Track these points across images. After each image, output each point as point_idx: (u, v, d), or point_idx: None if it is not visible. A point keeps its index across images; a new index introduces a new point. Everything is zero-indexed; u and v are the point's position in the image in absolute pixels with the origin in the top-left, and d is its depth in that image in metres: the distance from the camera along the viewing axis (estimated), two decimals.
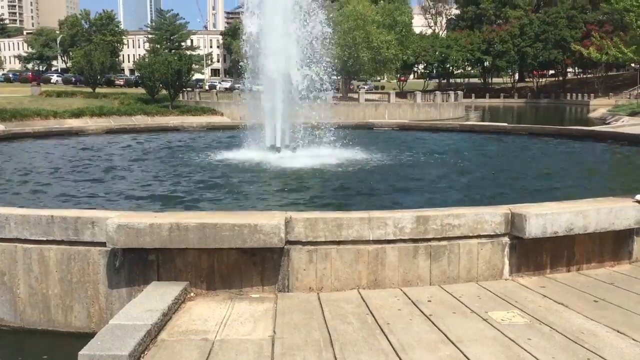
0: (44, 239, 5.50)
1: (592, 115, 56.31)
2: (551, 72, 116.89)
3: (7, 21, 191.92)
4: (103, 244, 5.30)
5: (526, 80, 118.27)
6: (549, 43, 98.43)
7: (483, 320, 4.65)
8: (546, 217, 5.57)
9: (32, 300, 5.60)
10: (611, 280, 5.69)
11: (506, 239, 5.73)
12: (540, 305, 4.98)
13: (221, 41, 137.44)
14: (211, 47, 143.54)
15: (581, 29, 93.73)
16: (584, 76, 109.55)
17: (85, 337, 4.37)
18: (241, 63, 14.91)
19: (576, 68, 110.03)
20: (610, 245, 6.13)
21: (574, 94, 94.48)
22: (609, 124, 37.93)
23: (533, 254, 5.82)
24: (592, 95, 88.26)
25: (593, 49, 46.44)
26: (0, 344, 5.72)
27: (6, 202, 8.22)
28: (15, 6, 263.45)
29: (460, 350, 4.10)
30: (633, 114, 42.70)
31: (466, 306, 4.98)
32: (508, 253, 5.74)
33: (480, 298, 5.20)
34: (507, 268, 5.76)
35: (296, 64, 14.22)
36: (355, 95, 58.62)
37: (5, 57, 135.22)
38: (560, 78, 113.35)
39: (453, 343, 4.22)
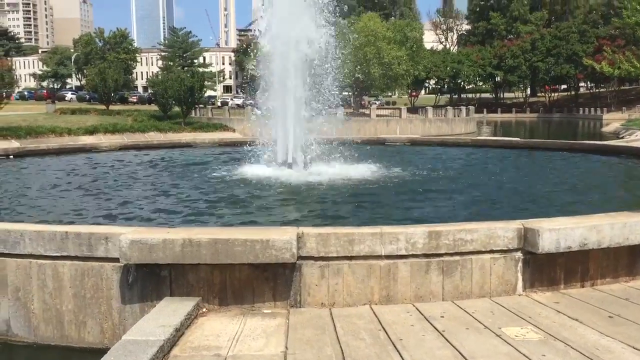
0: (58, 254, 5.55)
1: (605, 129, 56.02)
2: (563, 86, 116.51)
3: (22, 40, 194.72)
4: (116, 260, 5.34)
5: (538, 95, 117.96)
6: (560, 58, 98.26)
7: (496, 336, 4.62)
8: (559, 232, 5.53)
9: (46, 315, 5.64)
10: (626, 295, 5.63)
11: (519, 254, 5.69)
12: (554, 321, 4.94)
13: (233, 58, 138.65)
14: (223, 64, 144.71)
15: (593, 43, 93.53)
16: (597, 90, 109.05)
17: (98, 353, 4.39)
18: (251, 74, 15.01)
19: (588, 82, 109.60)
20: (625, 260, 6.07)
21: (587, 109, 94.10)
22: (622, 138, 37.69)
23: (546, 269, 5.78)
24: (605, 109, 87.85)
25: (605, 64, 46.29)
26: (14, 359, 5.76)
27: (21, 218, 8.31)
28: (30, 25, 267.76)
29: None
30: None
31: (479, 322, 4.95)
32: (521, 268, 5.70)
33: (494, 313, 5.16)
34: (520, 283, 5.72)
35: (307, 81, 14.31)
36: (367, 111, 58.79)
37: (20, 76, 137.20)
38: (573, 92, 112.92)
39: (466, 359, 4.20)
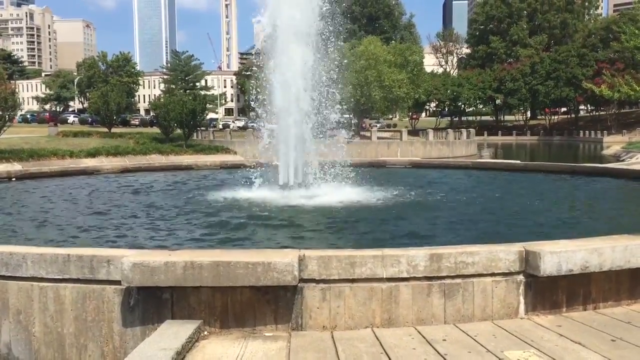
0: (60, 277, 5.55)
1: (605, 152, 56.15)
2: (563, 109, 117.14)
3: (26, 63, 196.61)
4: (118, 283, 5.34)
5: (538, 117, 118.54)
6: (560, 81, 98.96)
7: (499, 359, 4.60)
8: (561, 255, 5.54)
9: (47, 339, 5.62)
10: (628, 319, 5.61)
11: (521, 277, 5.68)
12: (557, 345, 4.92)
13: (235, 81, 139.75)
14: (225, 87, 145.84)
15: (592, 66, 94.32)
16: (597, 113, 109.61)
17: None
18: (251, 101, 15.08)
19: (588, 105, 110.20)
20: (626, 283, 6.05)
21: (587, 131, 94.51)
22: (623, 161, 37.77)
23: (549, 293, 5.77)
24: (605, 132, 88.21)
25: (605, 87, 46.59)
26: None
27: (23, 241, 8.31)
28: (34, 49, 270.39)
29: None
30: None
31: (482, 345, 4.93)
32: (523, 291, 5.69)
33: (496, 337, 5.14)
34: (522, 306, 5.70)
35: (309, 103, 14.42)
36: (368, 134, 59.03)
37: (23, 99, 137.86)
38: (573, 115, 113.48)
39: None
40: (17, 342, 5.68)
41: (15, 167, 24.99)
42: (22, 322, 5.67)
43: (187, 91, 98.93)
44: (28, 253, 5.67)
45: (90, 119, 77.98)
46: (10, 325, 5.69)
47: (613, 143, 66.74)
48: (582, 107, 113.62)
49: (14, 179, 17.31)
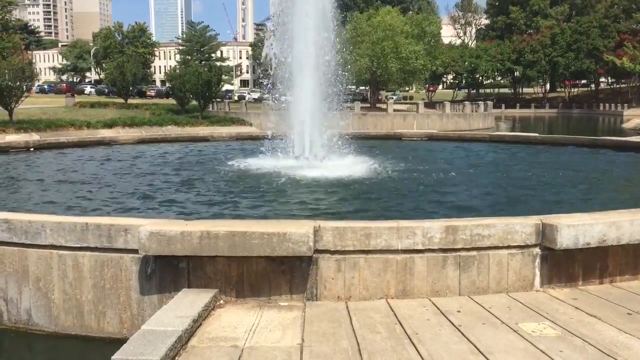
0: (79, 245, 5.63)
1: (625, 125, 55.25)
2: (583, 81, 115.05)
3: (42, 34, 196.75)
4: (135, 251, 5.40)
5: (558, 90, 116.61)
6: (581, 52, 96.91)
7: (513, 331, 4.61)
8: (578, 228, 5.49)
9: (66, 305, 5.72)
10: None
11: (537, 250, 5.66)
12: (572, 317, 4.91)
13: (250, 52, 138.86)
14: (240, 58, 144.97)
15: (614, 38, 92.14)
16: (617, 86, 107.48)
17: (117, 343, 4.45)
18: (268, 69, 14.93)
19: (609, 78, 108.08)
20: None
21: (607, 104, 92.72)
22: None
23: (565, 266, 5.74)
24: (625, 105, 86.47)
25: (626, 59, 45.66)
26: (35, 348, 5.86)
27: (42, 210, 8.42)
28: (50, 19, 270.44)
29: None
30: None
31: (496, 317, 4.94)
32: (539, 264, 5.67)
33: (511, 309, 5.14)
34: (538, 279, 5.69)
35: (324, 74, 14.32)
36: (384, 106, 58.59)
37: (40, 69, 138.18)
38: (593, 88, 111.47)
39: (482, 354, 4.19)
40: (37, 309, 5.79)
41: (34, 137, 25.12)
42: (42, 289, 5.77)
43: (203, 62, 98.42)
44: (47, 221, 5.74)
45: (106, 90, 78.08)
46: (30, 292, 5.80)
47: (633, 116, 65.48)
48: (602, 79, 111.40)
49: (32, 149, 17.48)
